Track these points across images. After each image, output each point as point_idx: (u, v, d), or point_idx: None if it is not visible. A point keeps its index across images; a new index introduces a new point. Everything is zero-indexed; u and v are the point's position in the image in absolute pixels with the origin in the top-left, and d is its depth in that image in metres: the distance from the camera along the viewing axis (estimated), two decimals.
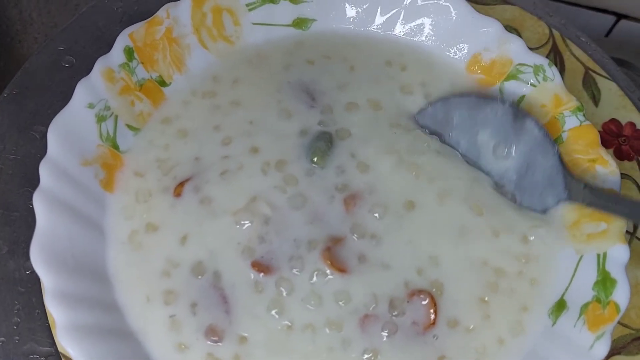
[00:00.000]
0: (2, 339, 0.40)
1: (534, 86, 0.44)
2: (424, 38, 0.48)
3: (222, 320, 0.38)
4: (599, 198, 0.39)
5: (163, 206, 0.41)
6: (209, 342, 0.37)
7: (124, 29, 0.44)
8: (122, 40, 0.43)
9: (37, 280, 0.42)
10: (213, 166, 0.42)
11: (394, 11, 0.48)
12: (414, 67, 0.48)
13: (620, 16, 0.74)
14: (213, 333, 0.37)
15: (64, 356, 0.39)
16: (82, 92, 0.40)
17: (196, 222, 0.40)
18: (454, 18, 0.47)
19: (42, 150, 0.40)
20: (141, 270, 0.39)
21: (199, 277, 0.39)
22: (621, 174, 0.42)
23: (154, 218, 0.41)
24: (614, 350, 0.41)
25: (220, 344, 0.37)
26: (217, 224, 0.40)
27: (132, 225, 0.40)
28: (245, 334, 0.38)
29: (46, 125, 0.44)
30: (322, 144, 0.43)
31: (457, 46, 0.47)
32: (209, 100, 0.45)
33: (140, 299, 0.38)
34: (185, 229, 0.40)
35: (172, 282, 0.39)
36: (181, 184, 0.41)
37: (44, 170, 0.38)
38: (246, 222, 0.40)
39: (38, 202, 0.36)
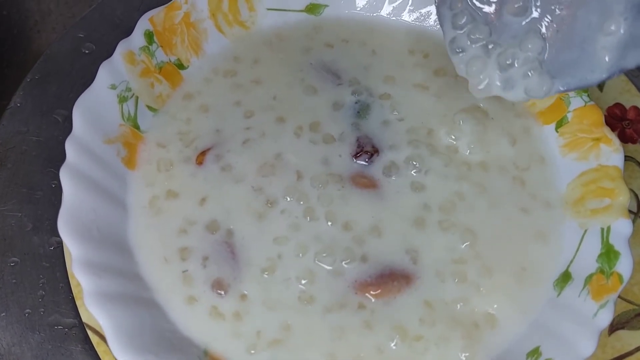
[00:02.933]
0: (28, 310, 0.42)
1: None
2: (432, 24, 0.50)
3: (229, 274, 0.40)
4: None
5: (184, 175, 0.43)
6: (214, 295, 0.39)
7: (140, 16, 0.45)
8: (143, 24, 0.44)
9: (60, 255, 0.43)
10: (234, 137, 0.44)
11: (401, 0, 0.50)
12: (435, 54, 0.49)
13: None
14: (219, 286, 0.39)
15: (88, 326, 0.40)
16: (104, 74, 0.42)
17: (216, 186, 0.42)
18: None
19: (64, 133, 0.41)
20: (159, 233, 0.41)
21: (213, 233, 0.41)
22: (625, 156, 0.44)
23: (174, 186, 0.42)
24: (618, 325, 0.42)
25: (224, 297, 0.39)
26: (236, 188, 0.42)
27: (153, 191, 0.42)
28: (246, 292, 0.39)
29: (68, 109, 0.46)
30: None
31: None
32: (230, 79, 0.47)
33: (158, 262, 0.40)
34: (205, 192, 0.42)
35: (188, 239, 0.41)
36: (203, 153, 0.43)
37: (70, 147, 0.39)
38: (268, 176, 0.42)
39: (64, 176, 0.38)
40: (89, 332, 0.40)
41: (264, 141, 0.44)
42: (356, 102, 0.46)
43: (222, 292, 0.39)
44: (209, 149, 0.44)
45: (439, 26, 0.49)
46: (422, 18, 0.50)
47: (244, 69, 0.48)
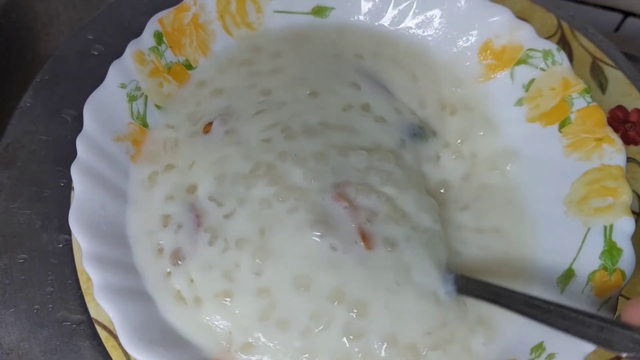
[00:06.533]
0: (37, 306, 0.42)
1: (543, 70, 0.46)
2: (436, 27, 0.50)
3: (189, 243, 0.40)
4: (474, 287, 0.38)
5: (187, 147, 0.43)
6: (172, 264, 0.39)
7: (149, 19, 0.46)
8: (152, 25, 0.45)
9: (69, 252, 0.44)
10: (246, 108, 0.44)
11: (407, 3, 0.51)
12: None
13: (627, 14, 0.75)
14: (177, 256, 0.39)
15: (97, 321, 0.41)
16: (115, 73, 0.43)
17: (213, 151, 0.42)
18: (465, 7, 0.49)
19: (73, 133, 0.42)
20: (150, 205, 0.41)
21: (190, 195, 0.41)
22: (627, 157, 0.44)
23: (174, 160, 0.43)
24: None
25: (180, 266, 0.39)
26: (231, 151, 0.42)
27: (154, 167, 0.43)
28: (193, 275, 0.39)
29: (76, 109, 0.47)
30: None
31: (469, 33, 0.49)
32: (246, 68, 0.48)
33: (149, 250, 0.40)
34: (196, 156, 0.43)
35: (173, 206, 0.41)
36: (210, 123, 0.44)
37: (80, 144, 0.40)
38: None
39: (75, 173, 0.39)
40: (98, 328, 0.40)
41: (282, 109, 0.44)
42: (420, 127, 0.46)
43: (178, 262, 0.39)
44: (217, 117, 0.44)
45: (442, 30, 0.50)
46: (427, 21, 0.51)
47: (262, 60, 0.48)
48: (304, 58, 0.48)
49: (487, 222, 0.44)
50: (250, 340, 0.37)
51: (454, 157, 0.46)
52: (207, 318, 0.38)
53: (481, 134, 0.47)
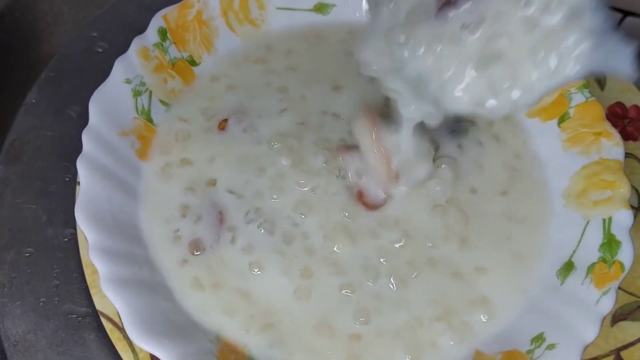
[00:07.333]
0: (43, 299, 0.42)
1: None
2: None
3: (210, 238, 0.41)
4: None
5: (201, 143, 0.45)
6: (190, 254, 0.41)
7: (152, 16, 0.47)
8: (157, 22, 0.46)
9: (74, 246, 0.44)
10: (265, 107, 0.46)
11: None
12: None
13: (626, 13, 0.75)
14: (196, 247, 0.41)
15: (102, 314, 0.41)
16: (120, 68, 0.43)
17: (230, 146, 0.44)
18: None
19: (78, 128, 0.42)
20: (166, 195, 0.43)
21: (212, 188, 0.43)
22: (626, 153, 0.45)
23: (189, 155, 0.44)
24: (620, 316, 0.43)
25: (199, 255, 0.41)
26: (252, 149, 0.44)
27: (168, 159, 0.44)
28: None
29: (81, 105, 0.47)
30: None
31: None
32: (261, 65, 0.49)
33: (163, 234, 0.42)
34: (215, 152, 0.44)
35: (192, 197, 0.42)
36: (225, 120, 0.45)
37: (86, 138, 0.40)
38: None
39: (81, 166, 0.39)
40: (103, 320, 0.41)
41: (306, 103, 0.46)
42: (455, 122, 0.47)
43: (198, 252, 0.41)
44: (232, 115, 0.45)
45: None
46: None
47: (275, 58, 0.49)
48: (316, 56, 0.49)
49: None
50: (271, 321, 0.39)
51: (493, 140, 0.46)
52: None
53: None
